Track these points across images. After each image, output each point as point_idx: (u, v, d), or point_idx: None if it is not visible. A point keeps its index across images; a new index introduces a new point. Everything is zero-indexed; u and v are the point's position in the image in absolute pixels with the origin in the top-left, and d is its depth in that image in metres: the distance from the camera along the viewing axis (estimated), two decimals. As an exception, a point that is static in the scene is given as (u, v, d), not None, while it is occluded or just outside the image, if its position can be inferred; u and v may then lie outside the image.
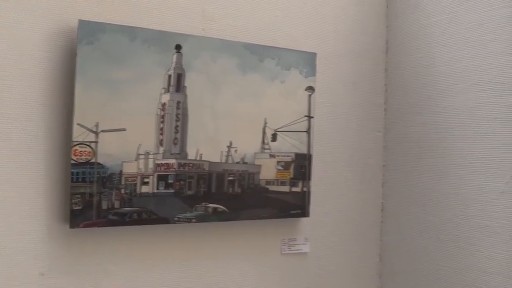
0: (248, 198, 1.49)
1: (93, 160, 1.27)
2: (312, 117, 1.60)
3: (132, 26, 1.33)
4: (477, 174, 1.49)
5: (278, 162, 1.54)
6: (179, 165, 1.39)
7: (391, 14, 1.82)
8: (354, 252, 1.75)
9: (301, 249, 1.63)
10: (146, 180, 1.34)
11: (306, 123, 1.58)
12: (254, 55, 1.50)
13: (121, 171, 1.31)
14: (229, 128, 1.46)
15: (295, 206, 1.57)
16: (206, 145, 1.43)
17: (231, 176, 1.46)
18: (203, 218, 1.42)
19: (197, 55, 1.42)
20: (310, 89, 1.59)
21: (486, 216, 1.45)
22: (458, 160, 1.54)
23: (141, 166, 1.34)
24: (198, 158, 1.41)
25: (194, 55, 1.41)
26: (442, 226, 1.58)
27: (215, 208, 1.44)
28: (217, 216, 1.44)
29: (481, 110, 1.48)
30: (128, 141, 1.32)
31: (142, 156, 1.34)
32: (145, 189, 1.35)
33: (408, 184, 1.71)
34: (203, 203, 1.42)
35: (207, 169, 1.43)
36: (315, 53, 1.60)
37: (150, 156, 1.35)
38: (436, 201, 1.61)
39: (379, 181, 1.81)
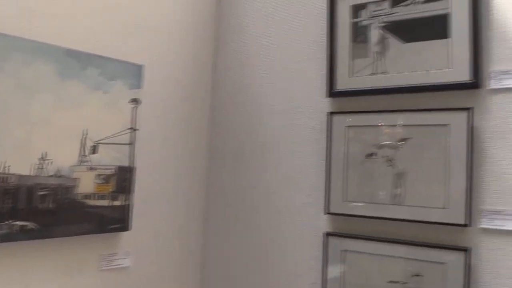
0: (63, 213, 1.39)
1: None
2: (137, 130, 1.58)
3: None
4: (286, 187, 1.66)
5: (99, 175, 1.48)
6: (-21, 178, 1.23)
7: (221, 31, 1.90)
8: (177, 262, 1.78)
9: (122, 264, 1.59)
10: None
11: (129, 135, 1.56)
12: (75, 62, 1.42)
13: None
14: (43, 138, 1.35)
15: (115, 220, 1.52)
16: (15, 156, 1.29)
17: (43, 191, 1.35)
18: (8, 237, 1.28)
19: (6, 56, 1.28)
20: (135, 101, 1.57)
21: (292, 224, 1.63)
22: (272, 174, 1.70)
23: None
24: (4, 171, 1.27)
25: (3, 56, 1.27)
26: (257, 233, 1.72)
27: (22, 226, 1.30)
28: (26, 235, 1.31)
29: (292, 130, 1.66)
30: None
31: None
32: None
33: (229, 195, 1.81)
34: (9, 221, 1.28)
35: (15, 182, 1.29)
36: (142, 65, 1.60)
37: None
38: (253, 210, 1.74)
39: (202, 192, 1.88)
